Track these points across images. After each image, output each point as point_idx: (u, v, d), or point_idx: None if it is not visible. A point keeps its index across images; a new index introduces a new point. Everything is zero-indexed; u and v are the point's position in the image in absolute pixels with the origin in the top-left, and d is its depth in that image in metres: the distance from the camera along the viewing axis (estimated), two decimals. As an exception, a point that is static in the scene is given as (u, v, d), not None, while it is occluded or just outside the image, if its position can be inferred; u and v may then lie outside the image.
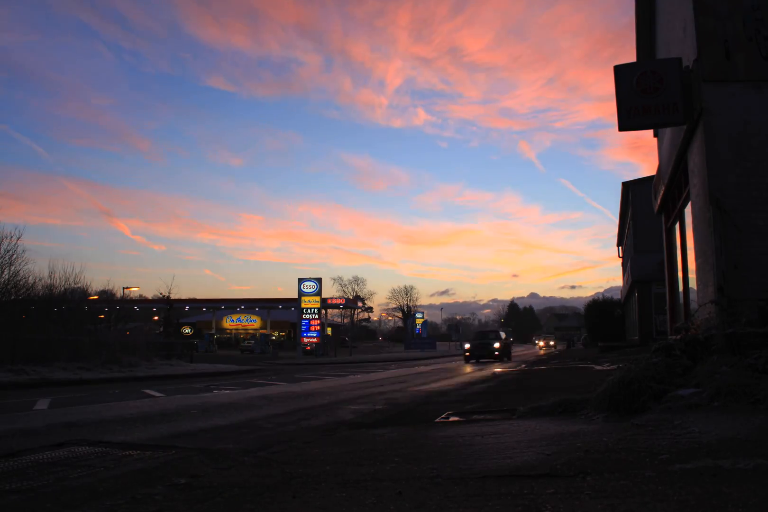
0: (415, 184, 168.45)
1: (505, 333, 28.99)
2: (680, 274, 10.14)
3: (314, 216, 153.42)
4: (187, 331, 52.19)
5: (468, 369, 18.34)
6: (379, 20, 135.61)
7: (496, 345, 24.74)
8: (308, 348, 41.46)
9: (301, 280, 43.29)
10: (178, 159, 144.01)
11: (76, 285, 23.88)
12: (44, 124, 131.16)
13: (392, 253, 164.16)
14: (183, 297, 51.72)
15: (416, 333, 72.42)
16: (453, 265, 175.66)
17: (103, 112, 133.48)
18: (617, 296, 39.21)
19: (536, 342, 74.95)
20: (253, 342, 50.88)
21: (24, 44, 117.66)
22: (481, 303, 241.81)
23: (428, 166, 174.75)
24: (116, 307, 30.34)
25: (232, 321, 66.46)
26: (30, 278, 20.73)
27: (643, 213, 20.72)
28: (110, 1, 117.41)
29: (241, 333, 64.89)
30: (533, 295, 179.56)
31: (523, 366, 18.16)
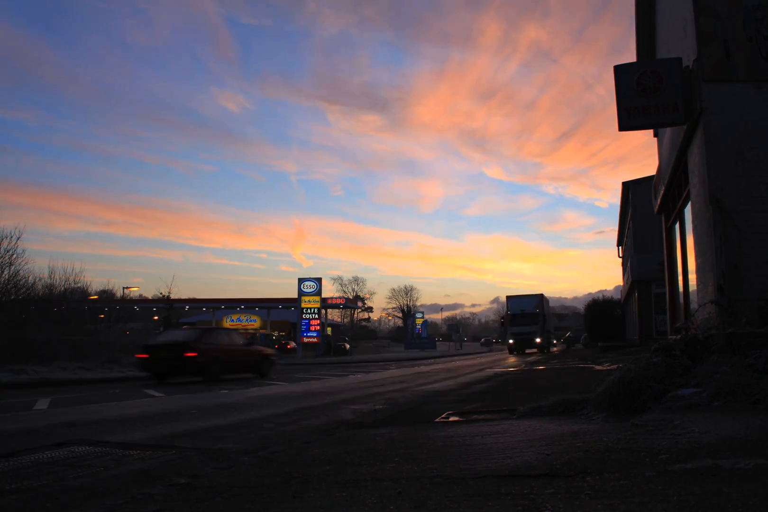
0: (584, 226, 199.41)
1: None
2: (680, 274, 10.13)
3: (475, 243, 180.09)
4: (187, 331, 51.94)
5: (467, 369, 18.33)
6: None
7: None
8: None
9: (301, 280, 43.18)
10: (409, 208, 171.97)
11: (76, 285, 23.92)
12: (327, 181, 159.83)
13: (499, 268, 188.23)
14: (183, 296, 51.69)
15: (416, 333, 72.48)
16: (541, 278, 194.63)
17: (390, 184, 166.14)
18: (617, 296, 39.22)
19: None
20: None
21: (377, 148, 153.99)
22: (478, 301, 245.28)
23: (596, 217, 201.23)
24: (116, 307, 30.36)
25: (232, 321, 66.25)
26: (30, 278, 20.76)
27: (643, 213, 20.69)
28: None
29: (241, 333, 64.69)
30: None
31: (523, 366, 18.15)
